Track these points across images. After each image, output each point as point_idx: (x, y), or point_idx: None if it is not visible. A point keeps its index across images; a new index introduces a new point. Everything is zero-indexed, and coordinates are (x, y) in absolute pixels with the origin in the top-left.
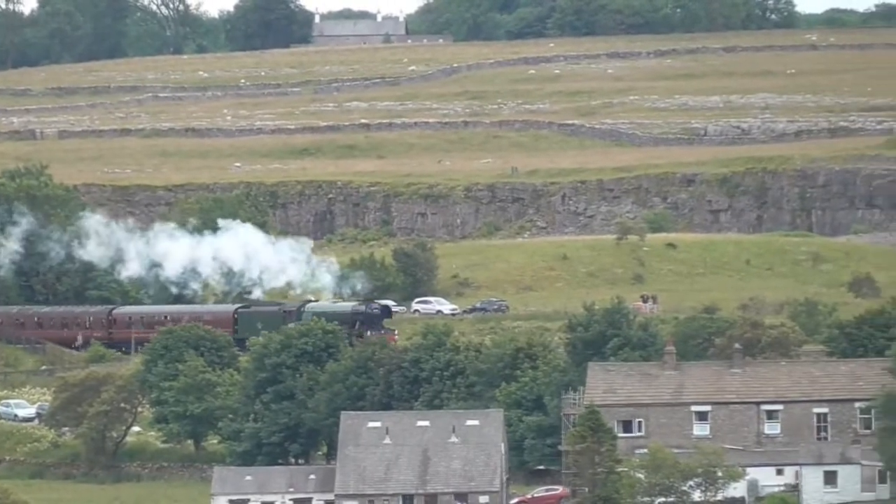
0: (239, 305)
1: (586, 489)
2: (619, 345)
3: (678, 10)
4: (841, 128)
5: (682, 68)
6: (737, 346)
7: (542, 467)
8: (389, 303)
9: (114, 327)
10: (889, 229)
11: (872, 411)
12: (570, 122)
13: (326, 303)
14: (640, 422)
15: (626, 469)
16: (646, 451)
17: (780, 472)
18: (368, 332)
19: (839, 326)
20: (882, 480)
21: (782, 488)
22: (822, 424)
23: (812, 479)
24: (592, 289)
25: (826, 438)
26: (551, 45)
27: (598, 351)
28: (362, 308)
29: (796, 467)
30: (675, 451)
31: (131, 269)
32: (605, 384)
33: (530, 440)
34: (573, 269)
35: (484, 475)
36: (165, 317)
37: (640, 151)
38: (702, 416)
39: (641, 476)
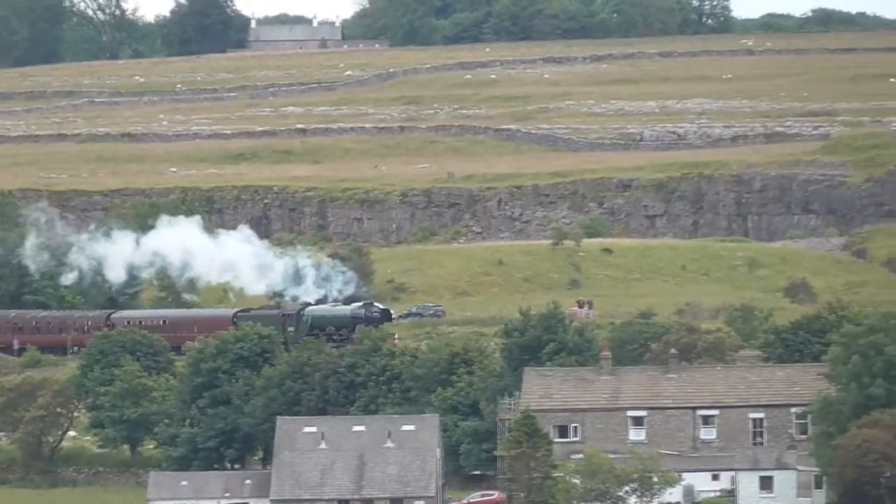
0: (238, 309)
1: (522, 494)
2: (555, 350)
3: (614, 15)
4: (777, 133)
5: (618, 73)
6: (673, 351)
7: (477, 472)
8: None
9: (111, 331)
10: (825, 235)
11: (808, 417)
12: (506, 127)
13: (326, 306)
14: (575, 427)
15: (561, 474)
16: (581, 456)
17: (715, 478)
18: None
19: (775, 332)
20: (818, 486)
21: (718, 493)
22: (758, 430)
23: (748, 484)
24: (528, 294)
25: (762, 444)
26: (487, 50)
27: (534, 356)
28: (362, 311)
29: (732, 472)
30: (611, 456)
31: (72, 276)
32: (541, 389)
33: (466, 445)
34: (509, 274)
35: (419, 480)
36: (163, 321)
37: (577, 156)
38: (637, 422)
39: (577, 481)
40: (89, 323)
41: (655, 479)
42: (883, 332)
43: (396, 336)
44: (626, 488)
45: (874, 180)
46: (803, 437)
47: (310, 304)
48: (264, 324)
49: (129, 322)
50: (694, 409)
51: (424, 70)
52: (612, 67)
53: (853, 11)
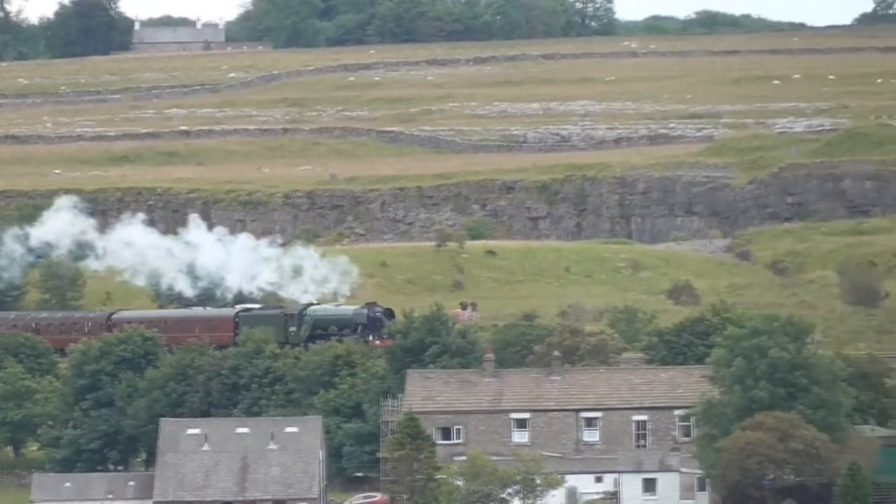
0: (240, 309)
1: (405, 496)
2: (438, 352)
3: (498, 17)
4: (660, 135)
5: (501, 75)
6: (556, 353)
7: (360, 474)
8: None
9: (113, 332)
10: (708, 237)
11: (692, 419)
12: (389, 129)
13: (329, 306)
14: (458, 429)
15: (444, 476)
16: (465, 458)
17: (599, 480)
18: (371, 336)
19: (658, 334)
20: (701, 488)
21: (601, 496)
22: (642, 432)
23: (631, 486)
24: (411, 296)
25: (645, 446)
26: (371, 51)
27: (416, 358)
28: (364, 311)
29: (615, 475)
30: (494, 458)
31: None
32: (424, 391)
33: (349, 447)
34: (392, 276)
35: (302, 482)
36: (165, 321)
37: (460, 158)
38: (521, 424)
39: (460, 483)
40: (90, 324)
41: (538, 482)
42: (766, 335)
43: None
44: (509, 490)
45: (758, 182)
46: (686, 439)
47: (312, 304)
48: (266, 324)
49: (129, 322)
50: (577, 411)
51: (308, 72)
52: (496, 69)
53: (737, 13)
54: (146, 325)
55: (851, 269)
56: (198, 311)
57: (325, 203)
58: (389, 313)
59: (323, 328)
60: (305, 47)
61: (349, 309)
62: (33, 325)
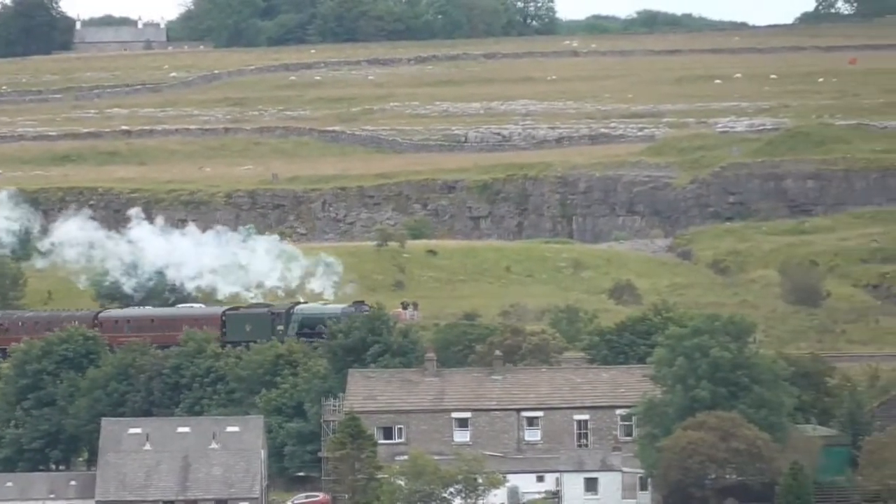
0: (227, 308)
1: (346, 496)
2: (380, 351)
3: (439, 16)
4: (602, 134)
5: (442, 75)
6: (497, 352)
7: (302, 474)
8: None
9: (100, 331)
10: (650, 236)
11: (633, 418)
12: (330, 128)
13: (316, 305)
14: (400, 428)
15: (386, 476)
16: (406, 457)
17: (540, 479)
18: None
19: (600, 333)
20: (643, 487)
21: (543, 495)
22: (583, 431)
23: (573, 485)
24: (353, 295)
25: (587, 445)
26: (312, 51)
27: (358, 357)
28: (352, 310)
29: (557, 474)
30: (436, 457)
31: None
32: (366, 391)
33: (291, 447)
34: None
35: (244, 481)
36: (152, 320)
37: (401, 158)
38: (462, 423)
39: (402, 483)
40: (76, 323)
41: (480, 481)
42: (708, 334)
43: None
44: (451, 490)
45: (699, 182)
46: (628, 438)
47: (300, 303)
48: (253, 322)
49: (117, 321)
50: (518, 410)
51: (249, 72)
52: (437, 69)
53: (678, 13)
54: (133, 324)
55: (793, 268)
56: (185, 309)
57: (266, 203)
58: None
59: (310, 327)
60: (246, 47)
61: (337, 308)
62: (20, 323)
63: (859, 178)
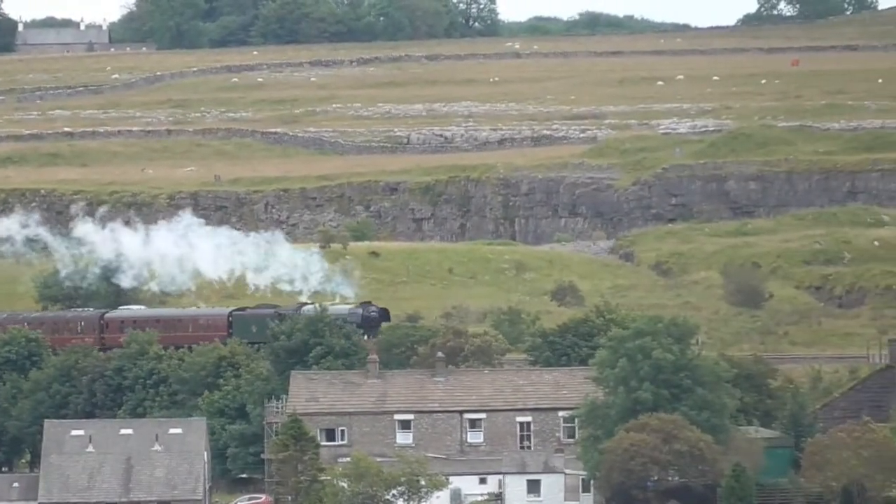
0: (234, 308)
1: (289, 498)
2: (322, 353)
3: (381, 18)
4: (544, 136)
5: (384, 76)
6: (440, 354)
7: (245, 476)
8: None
9: (106, 331)
10: (592, 238)
11: (576, 420)
12: (273, 130)
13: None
14: (343, 430)
15: (329, 478)
16: (349, 459)
17: (483, 481)
18: (366, 337)
19: (542, 335)
20: (585, 489)
21: (486, 497)
22: (526, 433)
23: (515, 487)
24: (295, 297)
25: (529, 447)
26: (255, 53)
27: (300, 359)
28: (359, 311)
29: (499, 476)
30: (379, 459)
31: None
32: (308, 393)
33: (233, 448)
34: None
35: (187, 483)
36: (158, 320)
37: (343, 160)
38: (405, 425)
39: (345, 485)
40: (82, 323)
41: (423, 483)
42: (650, 336)
43: None
44: (394, 492)
45: (641, 183)
46: (571, 440)
47: (306, 304)
48: (259, 323)
49: (122, 322)
50: (461, 412)
51: (191, 73)
52: (379, 70)
53: (620, 14)
54: (139, 324)
55: (735, 270)
56: (191, 310)
57: (209, 204)
58: (384, 313)
59: None
60: (189, 48)
61: (344, 308)
62: (25, 324)
63: (802, 179)
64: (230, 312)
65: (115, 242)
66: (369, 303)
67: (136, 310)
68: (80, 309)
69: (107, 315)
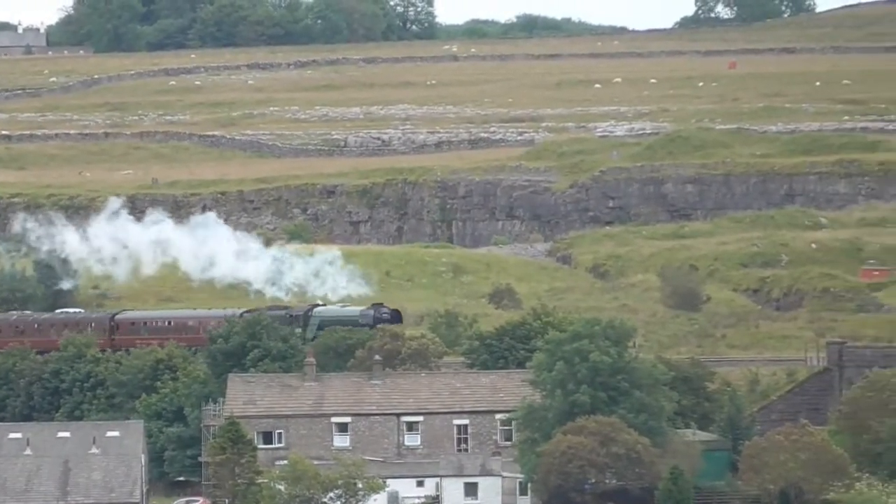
0: (245, 310)
1: (227, 501)
2: (260, 356)
3: (319, 21)
4: (482, 139)
5: (322, 79)
6: (377, 357)
7: (182, 478)
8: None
9: (116, 333)
10: (529, 240)
11: (513, 423)
12: (210, 133)
13: (335, 307)
14: (280, 433)
15: (266, 480)
16: (286, 462)
17: (420, 484)
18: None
19: (480, 338)
20: (523, 492)
21: (423, 500)
22: (463, 436)
23: (453, 490)
24: (234, 300)
25: (467, 450)
26: (192, 56)
27: (238, 362)
28: (371, 312)
29: (437, 479)
30: (316, 462)
31: None
32: (246, 395)
33: (171, 451)
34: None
35: (124, 486)
36: (169, 322)
37: (281, 163)
38: (342, 428)
39: (282, 488)
40: (92, 325)
41: (360, 486)
42: (587, 339)
43: None
44: (331, 494)
45: (578, 186)
46: (508, 443)
47: (318, 305)
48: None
49: (133, 323)
50: (398, 415)
51: (129, 76)
52: (317, 73)
53: (558, 17)
54: (150, 326)
55: (672, 272)
56: (203, 311)
57: (146, 208)
58: (396, 314)
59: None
60: (126, 52)
61: (356, 310)
62: (35, 325)
63: (739, 182)
64: (241, 313)
65: (61, 244)
66: (381, 304)
67: (148, 311)
68: (92, 311)
69: (117, 316)
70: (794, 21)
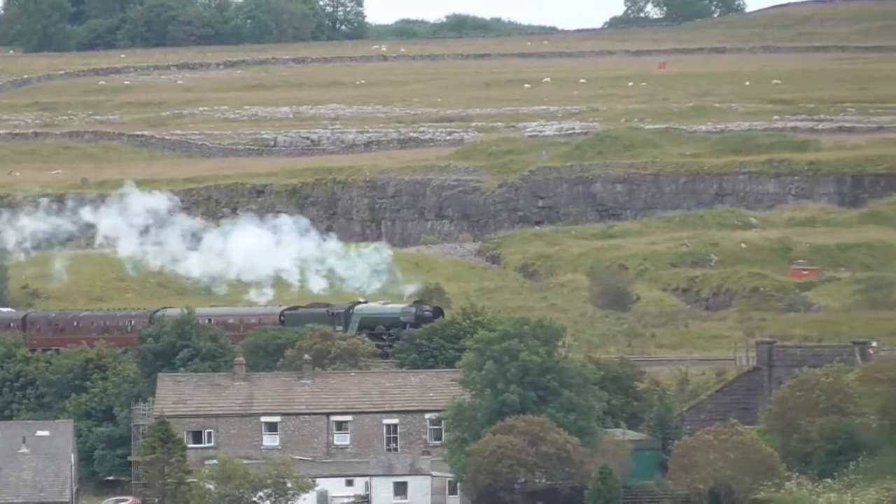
0: (286, 307)
1: (157, 500)
2: (189, 355)
3: (248, 21)
4: (411, 138)
5: (251, 79)
6: (306, 357)
7: (112, 478)
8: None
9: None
10: (459, 240)
11: (442, 422)
12: (140, 132)
13: (376, 304)
14: (210, 432)
15: (196, 480)
16: (216, 461)
17: (350, 483)
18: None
19: (409, 337)
20: (452, 492)
21: (352, 499)
22: (393, 435)
23: (382, 489)
24: (163, 299)
25: (396, 449)
26: (122, 56)
27: (168, 361)
28: (412, 310)
29: (366, 478)
30: (245, 461)
31: None
32: (175, 395)
33: (100, 451)
34: (144, 279)
35: (54, 486)
36: (209, 320)
37: (210, 162)
38: (271, 427)
39: (211, 487)
40: (132, 322)
41: (290, 485)
42: (517, 338)
43: None
44: (261, 493)
45: (508, 186)
46: (437, 442)
47: (359, 303)
48: (311, 322)
49: (175, 320)
50: (328, 414)
51: (59, 76)
52: (246, 73)
53: (487, 17)
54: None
55: (602, 272)
56: (243, 309)
57: (76, 207)
58: (438, 312)
59: (370, 327)
60: (56, 51)
61: (397, 308)
62: (75, 323)
63: (668, 182)
64: (282, 311)
65: None
66: (422, 301)
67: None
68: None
69: (156, 314)
70: (723, 21)
